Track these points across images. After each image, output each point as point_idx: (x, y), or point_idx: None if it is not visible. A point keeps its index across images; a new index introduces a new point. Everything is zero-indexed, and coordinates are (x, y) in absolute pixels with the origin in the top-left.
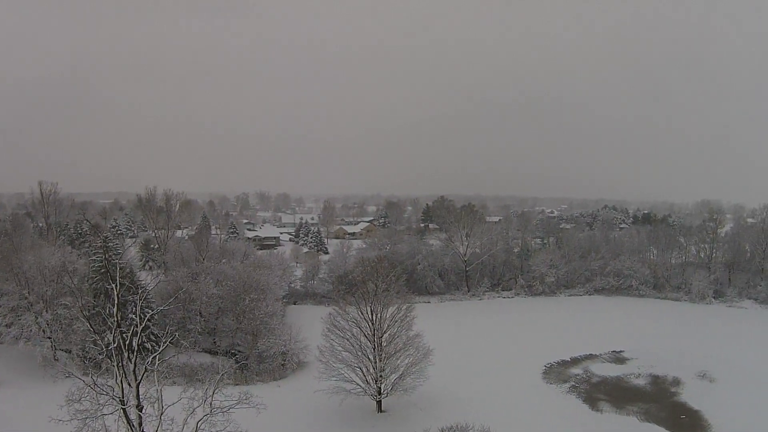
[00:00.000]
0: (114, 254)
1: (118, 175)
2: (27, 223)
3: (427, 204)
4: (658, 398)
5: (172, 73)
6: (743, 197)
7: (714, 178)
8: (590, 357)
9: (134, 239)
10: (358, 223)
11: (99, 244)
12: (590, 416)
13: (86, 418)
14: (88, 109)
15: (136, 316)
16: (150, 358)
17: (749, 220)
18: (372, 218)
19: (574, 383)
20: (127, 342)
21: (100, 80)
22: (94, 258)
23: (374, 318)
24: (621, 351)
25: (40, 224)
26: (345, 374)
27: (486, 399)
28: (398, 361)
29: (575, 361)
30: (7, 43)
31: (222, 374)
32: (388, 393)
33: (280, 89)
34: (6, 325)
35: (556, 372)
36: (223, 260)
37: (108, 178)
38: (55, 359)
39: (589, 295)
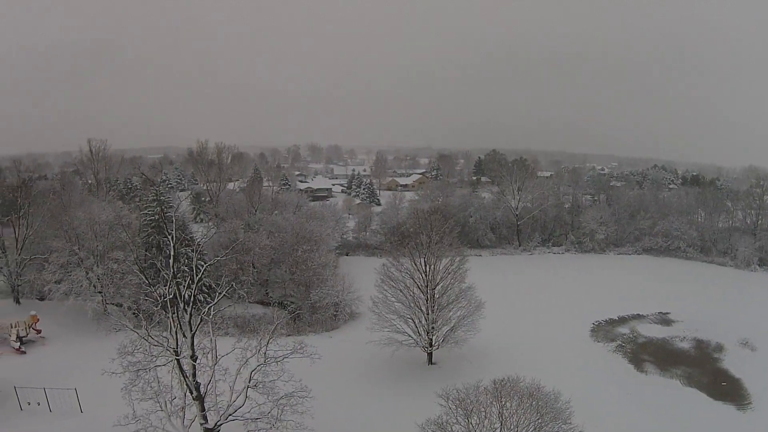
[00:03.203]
0: (167, 207)
1: (166, 130)
2: (75, 180)
3: (479, 157)
4: (701, 363)
5: (219, 32)
6: None
7: (762, 145)
8: (637, 317)
9: (185, 192)
10: (410, 175)
11: (151, 198)
12: (635, 377)
13: (139, 369)
14: (132, 69)
15: (191, 269)
16: (206, 309)
17: None
18: (424, 170)
19: (620, 342)
20: (183, 293)
21: (143, 41)
22: (146, 212)
23: (428, 269)
24: (667, 313)
25: (89, 181)
26: (397, 325)
27: (535, 354)
28: (450, 313)
29: (622, 320)
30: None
31: (277, 324)
32: (439, 345)
33: (327, 44)
34: (56, 282)
35: (604, 330)
36: (276, 212)
37: (155, 135)
38: (106, 313)
39: (638, 254)
